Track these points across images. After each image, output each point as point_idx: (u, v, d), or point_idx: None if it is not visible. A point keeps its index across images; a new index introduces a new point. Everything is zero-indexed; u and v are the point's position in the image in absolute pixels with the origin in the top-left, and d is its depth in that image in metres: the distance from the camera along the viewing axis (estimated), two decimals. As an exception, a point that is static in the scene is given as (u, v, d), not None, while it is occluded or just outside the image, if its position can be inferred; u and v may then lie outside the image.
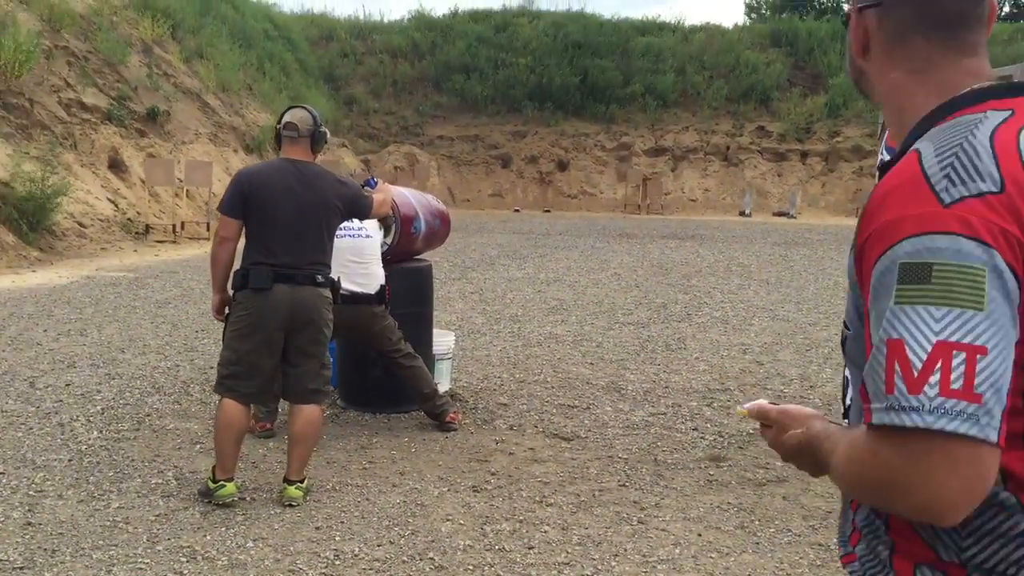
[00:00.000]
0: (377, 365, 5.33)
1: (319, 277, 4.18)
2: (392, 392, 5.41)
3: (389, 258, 5.41)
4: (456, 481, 4.45)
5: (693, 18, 63.71)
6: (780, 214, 24.42)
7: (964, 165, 1.09)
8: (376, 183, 4.90)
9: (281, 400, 4.73)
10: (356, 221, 4.72)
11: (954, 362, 1.02)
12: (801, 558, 3.69)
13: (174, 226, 15.60)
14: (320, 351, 4.23)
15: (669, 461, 4.84)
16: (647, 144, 26.50)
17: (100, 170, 15.39)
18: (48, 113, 14.79)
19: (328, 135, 4.36)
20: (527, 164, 26.55)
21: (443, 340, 6.00)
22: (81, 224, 13.67)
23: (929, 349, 1.03)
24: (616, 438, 5.22)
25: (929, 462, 1.04)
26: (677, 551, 3.72)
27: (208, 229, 15.38)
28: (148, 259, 13.18)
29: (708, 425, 5.52)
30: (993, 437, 1.03)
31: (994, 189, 1.07)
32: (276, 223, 4.10)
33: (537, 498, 4.25)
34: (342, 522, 3.93)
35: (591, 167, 26.38)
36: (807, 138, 26.03)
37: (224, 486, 4.10)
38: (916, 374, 1.03)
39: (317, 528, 3.86)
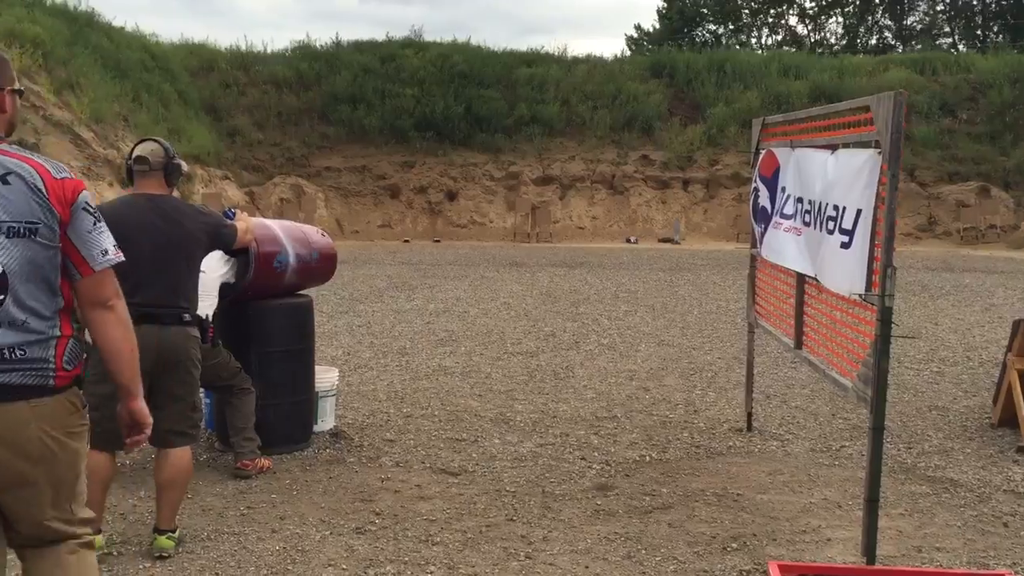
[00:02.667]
0: (256, 406, 5.13)
1: (186, 316, 4.02)
2: (271, 432, 5.22)
3: (249, 294, 5.24)
4: (339, 523, 4.31)
5: (576, 49, 65.08)
6: (665, 240, 24.99)
7: None
8: (234, 214, 4.74)
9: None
10: None
11: None
12: (686, 585, 3.70)
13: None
14: (188, 392, 4.05)
15: (557, 492, 4.81)
16: (535, 173, 26.74)
17: (-38, 206, 14.54)
18: (-97, 147, 13.91)
19: (184, 167, 4.17)
20: (416, 194, 26.42)
21: (326, 376, 5.85)
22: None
23: None
24: (504, 471, 5.16)
25: None
26: (564, 585, 3.67)
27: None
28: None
29: (595, 454, 5.52)
30: None
31: None
32: (136, 261, 3.91)
33: (423, 537, 4.15)
34: (217, 574, 3.74)
35: (480, 196, 26.45)
36: (688, 166, 26.73)
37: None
38: None
39: (189, 581, 3.67)
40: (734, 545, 4.11)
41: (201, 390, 6.14)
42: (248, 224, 4.59)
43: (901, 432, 6.05)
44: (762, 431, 6.06)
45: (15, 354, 2.33)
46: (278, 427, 5.30)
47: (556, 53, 30.57)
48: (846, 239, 3.94)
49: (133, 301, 3.90)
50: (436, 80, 27.80)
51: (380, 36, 38.36)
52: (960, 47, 40.47)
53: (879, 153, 3.72)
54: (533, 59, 29.71)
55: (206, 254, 4.30)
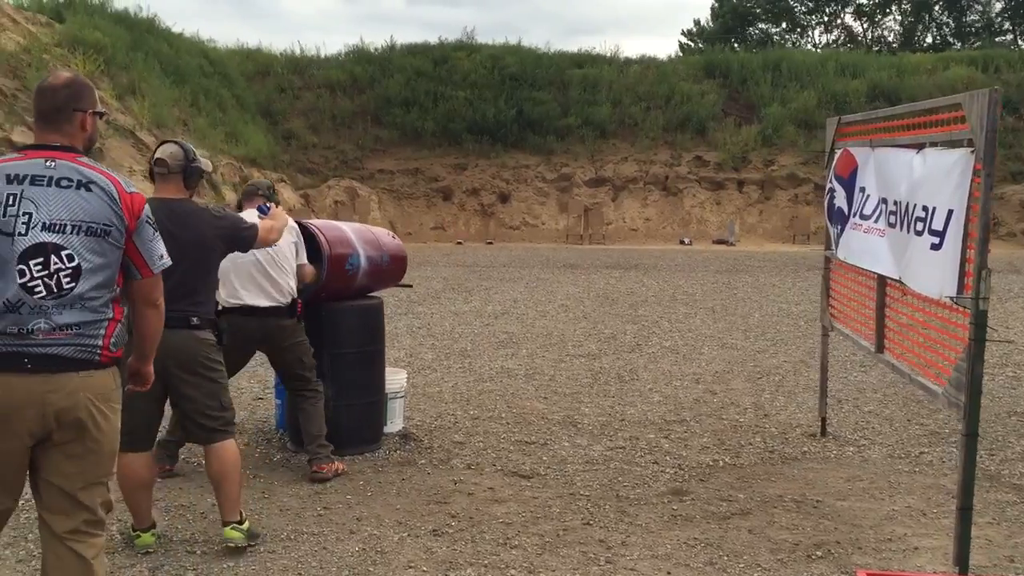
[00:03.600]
0: (328, 407, 5.16)
1: (194, 319, 3.98)
2: (344, 433, 5.25)
3: (323, 296, 5.27)
4: (416, 525, 4.31)
5: (628, 50, 64.73)
6: (720, 242, 24.73)
7: None
8: (269, 208, 4.72)
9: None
10: None
11: None
12: (773, 593, 3.63)
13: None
14: (209, 395, 4.02)
15: (631, 496, 4.76)
16: (587, 175, 26.63)
17: (30, 210, 14.87)
18: (-26, 152, 14.30)
19: (205, 170, 4.12)
20: (469, 196, 26.49)
21: (395, 378, 5.87)
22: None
23: None
24: (576, 474, 5.12)
25: None
26: (648, 591, 3.63)
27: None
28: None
29: (667, 458, 5.46)
30: None
31: None
32: None
33: (501, 540, 4.13)
34: (300, 574, 3.76)
35: (532, 198, 26.42)
36: (743, 167, 26.43)
37: (139, 536, 4.00)
38: None
39: (273, 581, 3.69)
40: (818, 553, 4.02)
41: (271, 389, 6.24)
42: (275, 223, 4.47)
43: (982, 438, 5.86)
44: (836, 436, 5.94)
45: (71, 330, 2.70)
46: (351, 428, 5.32)
47: (608, 54, 30.41)
48: (936, 240, 3.84)
49: None
50: (488, 83, 27.82)
51: (429, 38, 38.51)
52: (1021, 43, 39.48)
53: (972, 152, 3.62)
54: (585, 60, 29.59)
55: (223, 257, 4.24)
